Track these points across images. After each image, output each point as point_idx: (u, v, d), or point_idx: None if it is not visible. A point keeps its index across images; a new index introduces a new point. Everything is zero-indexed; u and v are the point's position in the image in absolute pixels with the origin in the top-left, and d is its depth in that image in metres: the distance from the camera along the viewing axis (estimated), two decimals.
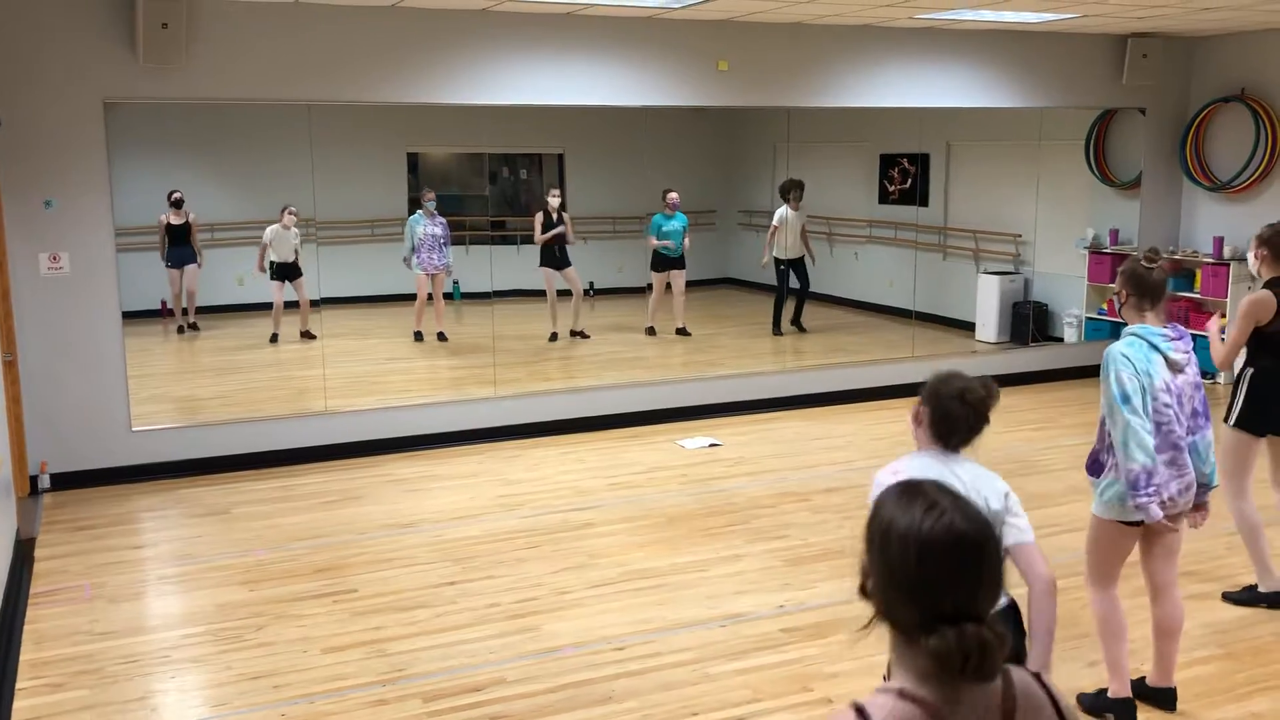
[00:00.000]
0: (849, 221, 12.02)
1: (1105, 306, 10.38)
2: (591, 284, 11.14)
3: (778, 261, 10.97)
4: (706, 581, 5.54)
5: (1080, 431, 7.85)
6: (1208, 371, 9.78)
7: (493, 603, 5.30)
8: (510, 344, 9.94)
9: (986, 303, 10.84)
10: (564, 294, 10.71)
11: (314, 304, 9.89)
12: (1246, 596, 5.25)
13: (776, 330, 11.02)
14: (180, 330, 10.17)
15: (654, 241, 10.67)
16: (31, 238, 7.00)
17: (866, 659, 4.52)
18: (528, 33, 7.98)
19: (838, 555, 5.82)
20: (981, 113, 9.89)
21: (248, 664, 4.70)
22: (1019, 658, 3.11)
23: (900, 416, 8.83)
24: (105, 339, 7.25)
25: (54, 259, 7.07)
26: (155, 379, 9.19)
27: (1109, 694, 4.17)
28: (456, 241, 10.85)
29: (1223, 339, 5.17)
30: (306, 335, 10.06)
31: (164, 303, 10.05)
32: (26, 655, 4.81)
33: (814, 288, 11.24)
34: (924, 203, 11.26)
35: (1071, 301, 10.73)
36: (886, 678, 1.67)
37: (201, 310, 10.26)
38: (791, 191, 10.83)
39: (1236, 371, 5.33)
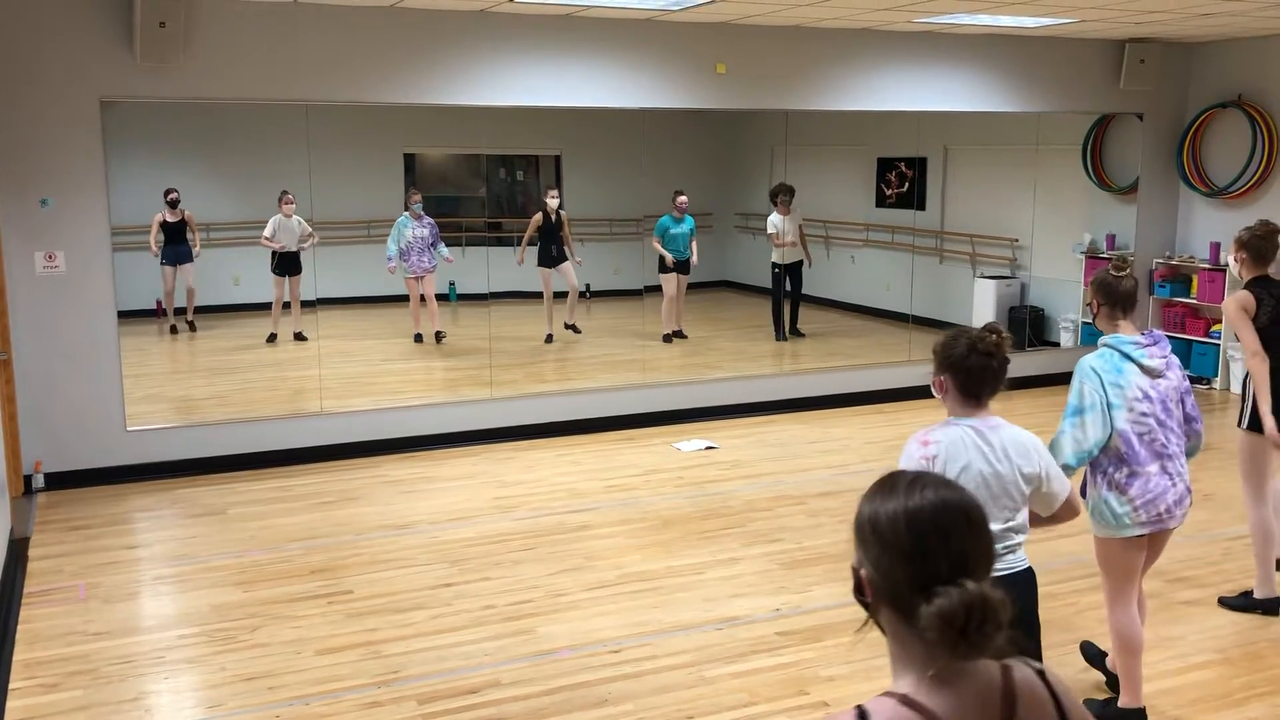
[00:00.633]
0: (846, 225, 12.02)
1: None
2: (588, 286, 11.13)
3: (774, 266, 10.97)
4: (702, 584, 5.53)
5: None
6: (1203, 376, 9.80)
7: (488, 605, 5.28)
8: (506, 345, 9.94)
9: (983, 307, 10.85)
10: (560, 295, 10.70)
11: (310, 304, 9.86)
12: (1242, 602, 5.25)
13: (780, 336, 11.01)
14: (174, 330, 10.14)
15: (658, 245, 10.66)
16: (27, 236, 6.98)
17: (862, 662, 4.52)
18: (526, 34, 7.98)
19: (834, 559, 5.82)
20: (979, 117, 9.90)
21: (242, 665, 4.68)
22: (1031, 633, 3.14)
23: (897, 420, 8.86)
24: (101, 338, 7.23)
25: (50, 258, 7.05)
26: (151, 378, 9.17)
27: (1121, 703, 4.16)
28: (454, 243, 10.83)
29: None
30: (298, 337, 10.03)
31: (159, 302, 10.03)
32: (20, 655, 4.80)
33: (811, 291, 11.24)
34: (921, 206, 11.26)
35: (1068, 306, 10.74)
36: None
37: (198, 310, 10.23)
38: (780, 195, 10.82)
39: (1241, 377, 5.32)
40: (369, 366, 10.06)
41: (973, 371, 3.10)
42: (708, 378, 9.52)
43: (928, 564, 1.49)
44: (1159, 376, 3.95)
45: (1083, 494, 4.04)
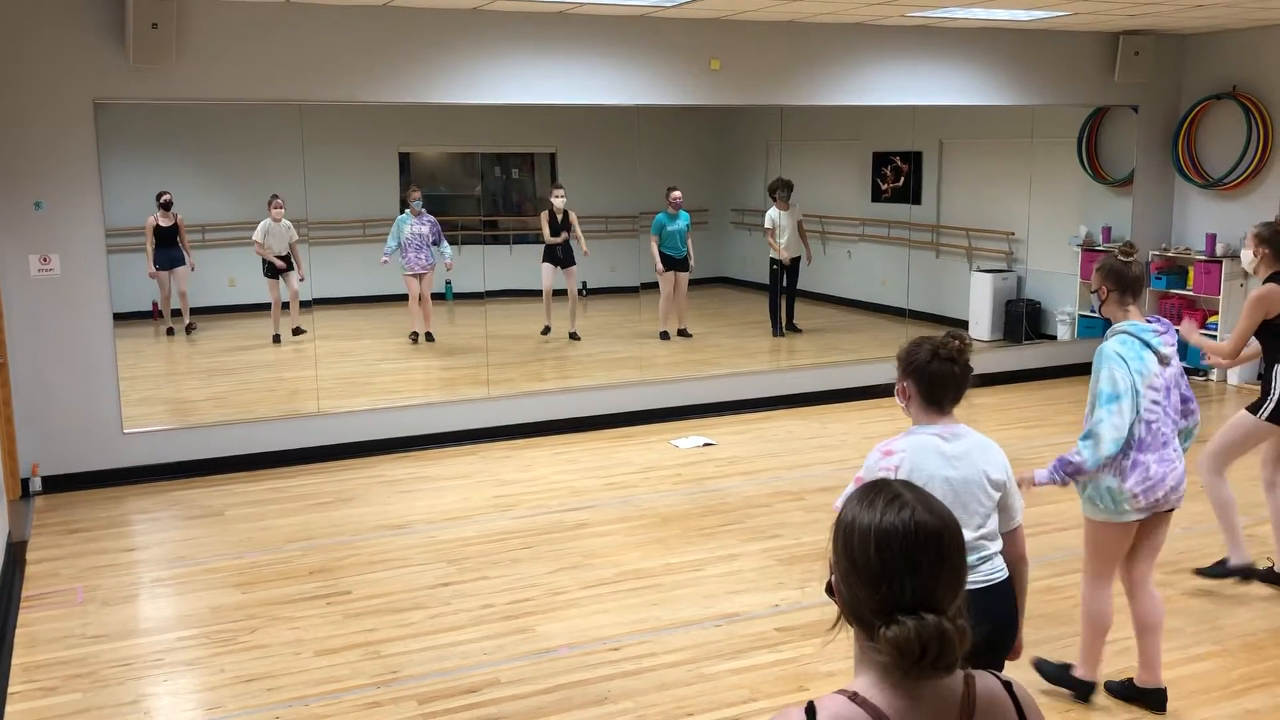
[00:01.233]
0: (842, 220, 12.02)
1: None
2: (585, 284, 11.12)
3: (772, 261, 10.96)
4: (701, 581, 5.53)
5: (1073, 429, 7.79)
6: (1200, 368, 9.80)
7: (487, 604, 5.28)
8: (503, 344, 9.93)
9: (979, 301, 10.85)
10: (559, 294, 10.69)
11: (306, 304, 9.85)
12: (1217, 570, 5.33)
13: (777, 332, 11.01)
14: (169, 332, 10.12)
15: (655, 243, 10.65)
16: (22, 239, 6.96)
17: None
18: (520, 32, 7.97)
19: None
20: (974, 110, 9.90)
21: (241, 666, 4.68)
22: (1008, 643, 3.13)
23: (894, 415, 8.85)
24: (96, 341, 7.22)
25: (44, 260, 7.03)
26: (147, 381, 9.15)
27: (1076, 673, 4.26)
28: (449, 241, 10.81)
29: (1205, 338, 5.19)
30: (297, 330, 10.01)
31: (155, 304, 10.01)
32: (18, 659, 4.79)
33: (808, 286, 11.24)
34: (917, 201, 11.26)
35: (1064, 299, 10.74)
36: None
37: (193, 311, 10.21)
38: (778, 191, 10.81)
39: (1260, 372, 5.32)
40: (365, 366, 10.05)
41: (935, 377, 3.06)
42: (705, 374, 9.52)
43: (891, 591, 1.48)
44: (1168, 364, 3.99)
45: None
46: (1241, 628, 4.95)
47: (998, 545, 3.14)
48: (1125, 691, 4.26)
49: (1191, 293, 9.98)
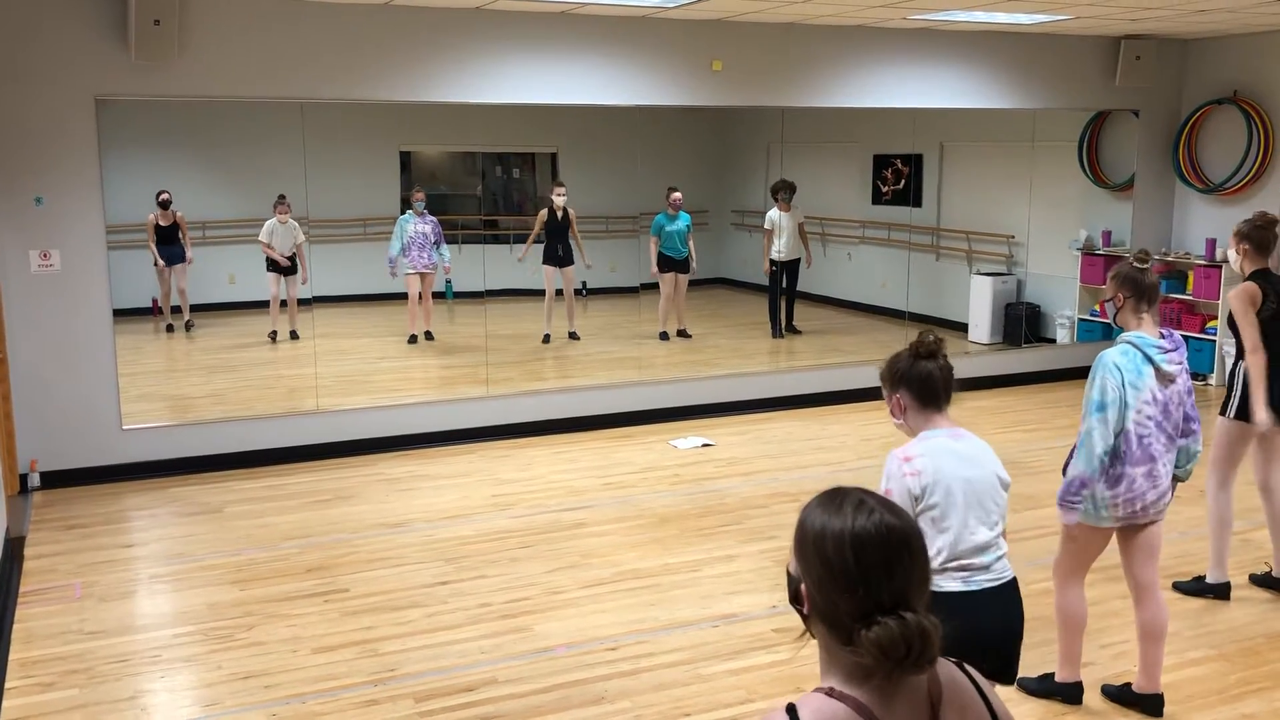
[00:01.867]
0: (842, 222, 12.03)
1: (1097, 308, 10.39)
2: (584, 284, 11.12)
3: (772, 263, 10.96)
4: (699, 581, 5.53)
5: (1072, 433, 7.79)
6: (1199, 373, 9.80)
7: (485, 603, 5.28)
8: (503, 343, 9.93)
9: (979, 304, 10.85)
10: (559, 293, 10.69)
11: (306, 303, 9.85)
12: (1195, 586, 5.34)
13: (777, 333, 11.01)
14: (169, 329, 10.12)
15: (655, 244, 10.65)
16: (22, 235, 6.97)
17: None
18: (521, 31, 7.97)
19: None
20: (975, 114, 9.90)
21: (238, 664, 4.68)
22: (1016, 642, 3.15)
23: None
24: (96, 337, 7.22)
25: (45, 256, 7.04)
26: (146, 377, 9.15)
27: (1057, 679, 4.26)
28: (450, 240, 10.82)
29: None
30: (292, 335, 10.01)
31: (155, 300, 10.01)
32: (16, 654, 4.79)
33: (807, 288, 11.24)
34: (917, 203, 11.26)
35: (1064, 303, 10.75)
36: None
37: (193, 308, 10.21)
38: (780, 192, 10.82)
39: (1229, 367, 5.35)
40: (365, 364, 10.05)
41: (923, 377, 3.08)
42: (704, 375, 9.52)
43: (868, 594, 1.50)
44: (1171, 382, 3.96)
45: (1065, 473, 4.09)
46: (1239, 632, 4.95)
47: (1006, 544, 3.17)
48: (1122, 696, 4.27)
49: (1191, 297, 9.98)
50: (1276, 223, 5.14)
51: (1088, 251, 10.59)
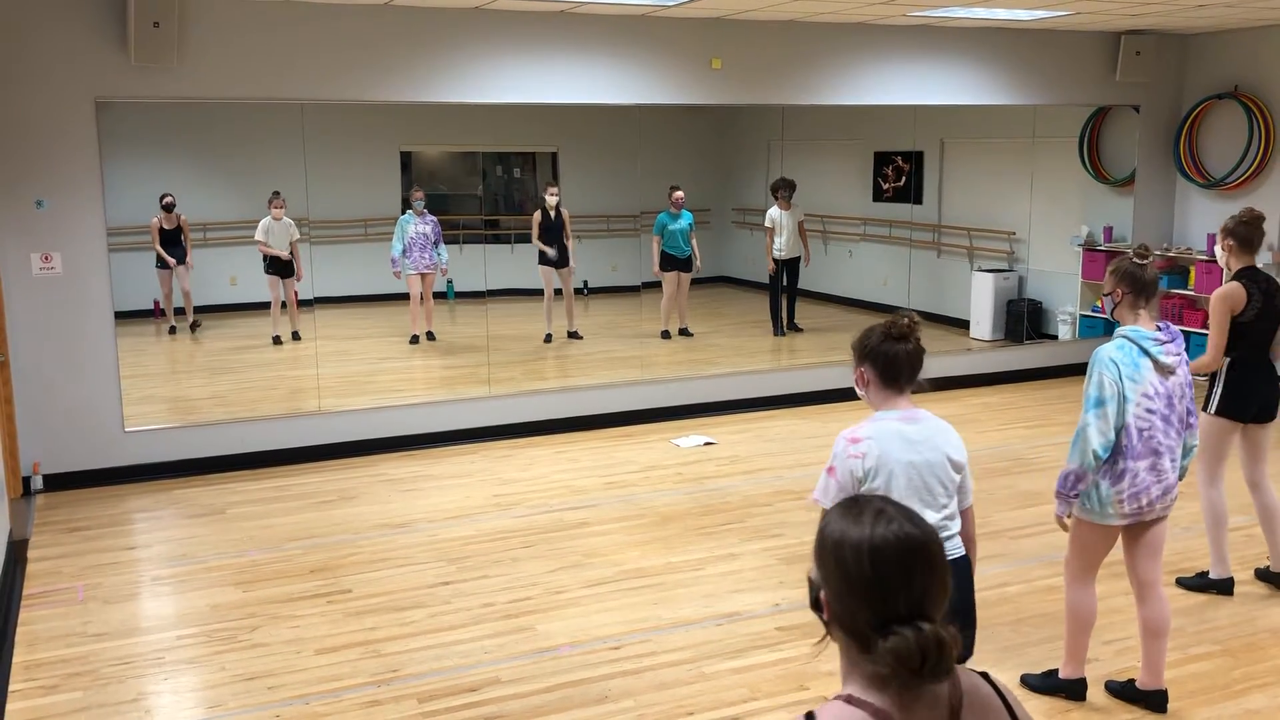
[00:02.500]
0: (843, 219, 12.02)
1: (1099, 304, 10.37)
2: (585, 283, 11.12)
3: (773, 261, 10.95)
4: (702, 580, 5.53)
5: (1073, 429, 7.79)
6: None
7: (487, 603, 5.28)
8: (504, 343, 9.93)
9: (981, 300, 10.84)
10: (558, 293, 10.69)
11: (308, 303, 9.85)
12: (1198, 582, 5.35)
13: (778, 331, 11.01)
14: (171, 330, 10.12)
15: (658, 243, 10.65)
16: (23, 238, 6.97)
17: None
18: (521, 31, 7.97)
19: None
20: (975, 110, 9.89)
21: (242, 665, 4.68)
22: (968, 622, 3.24)
23: None
24: (98, 339, 7.23)
25: (46, 259, 7.04)
26: (148, 379, 9.16)
27: (1061, 675, 4.26)
28: (451, 240, 10.82)
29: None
30: (294, 337, 10.00)
31: (157, 302, 10.02)
32: (19, 657, 4.80)
33: (809, 286, 11.23)
34: (918, 200, 11.25)
35: (1066, 299, 10.74)
36: None
37: (195, 310, 10.22)
38: (780, 190, 10.81)
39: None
40: (367, 365, 10.06)
41: (889, 357, 3.14)
42: (706, 373, 9.52)
43: (887, 604, 1.50)
44: (1171, 374, 3.97)
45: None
46: (1242, 627, 4.95)
47: (958, 525, 3.23)
48: (1125, 692, 4.27)
49: (1193, 293, 9.97)
50: (1262, 219, 5.16)
51: (1089, 247, 10.58)
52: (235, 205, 10.56)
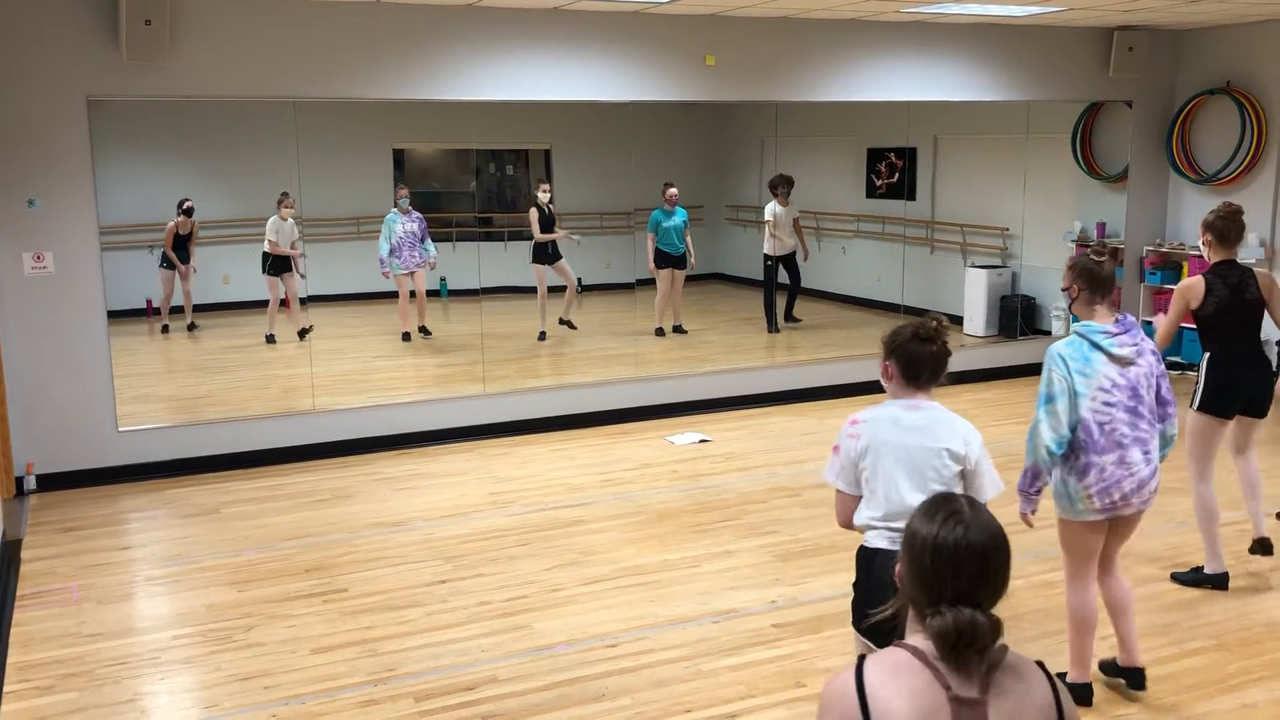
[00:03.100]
0: (837, 216, 12.02)
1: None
2: (580, 280, 11.12)
3: (767, 258, 10.96)
4: (698, 578, 5.53)
5: None
6: (1193, 364, 9.81)
7: (484, 601, 5.28)
8: (499, 341, 9.92)
9: (974, 296, 10.86)
10: (555, 290, 10.68)
11: (301, 302, 9.84)
12: (1193, 577, 5.37)
13: (772, 328, 11.01)
14: (164, 329, 10.09)
15: (652, 240, 10.64)
16: (15, 237, 6.94)
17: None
18: (514, 28, 7.95)
19: (829, 550, 5.82)
20: (968, 106, 9.89)
21: (238, 665, 4.67)
22: None
23: None
24: (91, 338, 7.20)
25: (38, 258, 7.01)
26: (142, 378, 9.14)
27: (1068, 679, 4.26)
28: (444, 238, 10.80)
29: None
30: (302, 332, 9.97)
31: (149, 302, 9.99)
32: (14, 658, 4.78)
33: (803, 282, 11.23)
34: (911, 197, 11.26)
35: (1059, 295, 10.71)
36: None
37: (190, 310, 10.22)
38: (779, 187, 10.83)
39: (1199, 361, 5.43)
40: (361, 363, 10.04)
41: (914, 356, 3.30)
42: (700, 371, 9.52)
43: (937, 588, 1.81)
44: (1130, 364, 3.99)
45: (1051, 473, 4.13)
46: (1238, 622, 4.96)
47: None
48: (1110, 669, 4.35)
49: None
50: (1240, 213, 5.23)
51: (1082, 243, 10.58)
52: (228, 204, 10.53)
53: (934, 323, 3.31)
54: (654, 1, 7.76)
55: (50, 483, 7.14)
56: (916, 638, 1.86)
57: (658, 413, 8.77)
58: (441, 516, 6.53)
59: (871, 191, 11.73)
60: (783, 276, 11.09)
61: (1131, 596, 4.31)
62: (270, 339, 10.13)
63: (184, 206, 9.55)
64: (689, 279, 11.13)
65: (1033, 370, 10.12)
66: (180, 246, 9.71)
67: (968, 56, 9.44)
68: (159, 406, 8.70)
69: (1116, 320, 4.03)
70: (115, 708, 4.35)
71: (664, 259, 10.77)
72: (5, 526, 6.29)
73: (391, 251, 10.31)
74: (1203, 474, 5.28)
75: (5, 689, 4.51)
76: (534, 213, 10.43)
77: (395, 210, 10.35)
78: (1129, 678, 4.30)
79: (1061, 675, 4.32)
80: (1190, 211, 10.26)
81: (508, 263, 10.86)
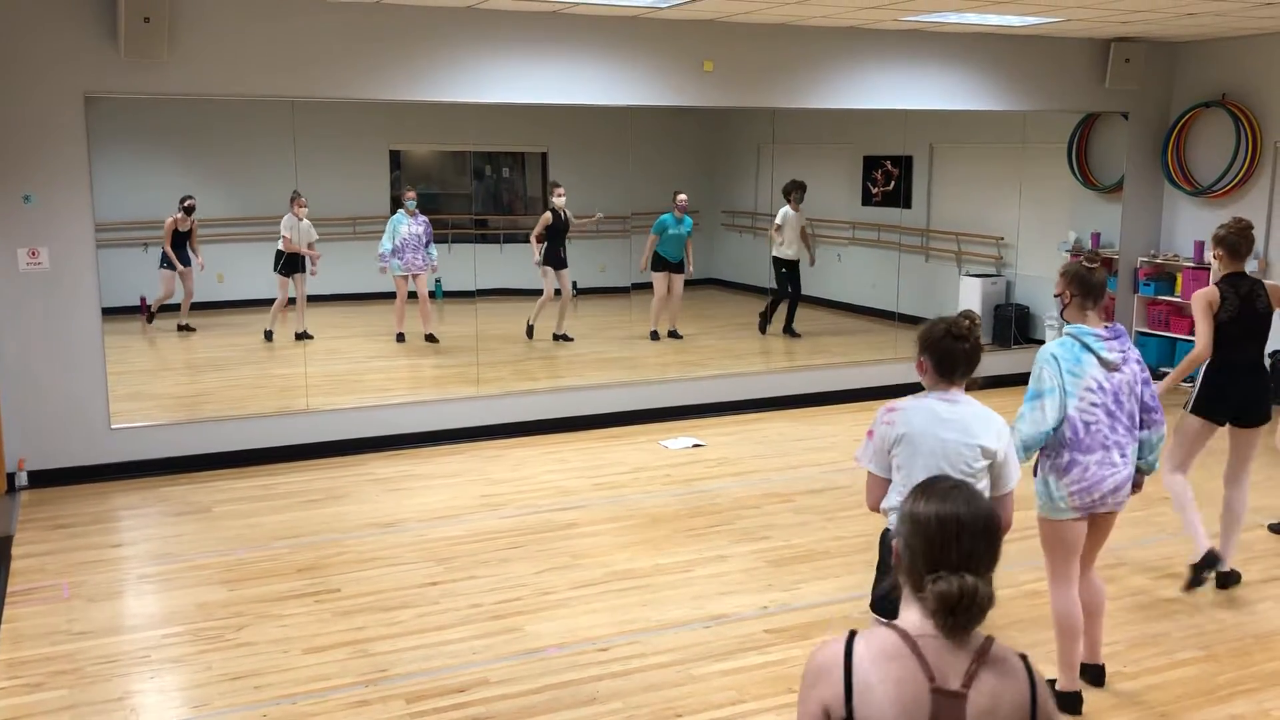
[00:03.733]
0: (832, 223, 12.04)
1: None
2: (575, 284, 11.12)
3: (777, 262, 10.98)
4: (690, 582, 5.53)
5: None
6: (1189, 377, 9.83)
7: (476, 603, 5.27)
8: (493, 343, 9.91)
9: (969, 305, 10.86)
10: (556, 293, 10.67)
11: (293, 301, 9.83)
12: (1197, 577, 5.34)
13: (763, 330, 11.01)
14: (149, 319, 10.02)
15: (653, 241, 10.64)
16: (10, 233, 6.93)
17: None
18: (513, 31, 7.96)
19: (821, 556, 5.83)
20: (965, 115, 9.92)
21: (228, 664, 4.66)
22: None
23: None
24: (85, 335, 7.18)
25: (33, 254, 7.00)
26: (135, 376, 9.11)
27: (1057, 686, 4.28)
28: (440, 240, 10.79)
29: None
30: (300, 336, 9.95)
31: (143, 299, 9.96)
32: (4, 655, 4.76)
33: (801, 292, 11.24)
34: (907, 205, 11.28)
35: (1053, 304, 10.67)
36: None
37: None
38: (793, 193, 10.87)
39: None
40: (355, 364, 10.03)
41: (947, 351, 3.44)
42: (695, 375, 9.52)
43: (941, 555, 1.89)
44: (1116, 370, 4.08)
45: (1035, 473, 4.21)
46: (1228, 633, 4.97)
47: None
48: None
49: (1180, 299, 10.02)
50: (1250, 228, 5.33)
51: (1077, 253, 10.61)
52: (223, 202, 10.51)
53: (966, 321, 3.44)
54: (653, 6, 7.77)
55: (42, 479, 7.12)
56: (908, 617, 1.92)
57: (651, 417, 8.77)
58: (434, 518, 6.52)
59: (867, 199, 11.75)
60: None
61: (1104, 599, 4.41)
62: (268, 335, 10.10)
63: (185, 204, 9.51)
64: (685, 284, 11.13)
65: (1027, 379, 10.17)
66: (179, 245, 9.67)
67: (965, 66, 9.47)
68: (152, 404, 8.67)
69: (1106, 327, 4.12)
70: (104, 705, 4.33)
71: (661, 263, 10.77)
72: None
73: (394, 252, 10.29)
74: (1175, 466, 5.38)
75: None
76: (546, 216, 10.35)
77: (402, 211, 10.33)
78: (1089, 675, 4.37)
79: (1051, 681, 4.34)
80: (1185, 223, 10.30)
81: (503, 264, 10.86)
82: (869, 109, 9.30)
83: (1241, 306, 5.20)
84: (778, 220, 10.92)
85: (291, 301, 9.93)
